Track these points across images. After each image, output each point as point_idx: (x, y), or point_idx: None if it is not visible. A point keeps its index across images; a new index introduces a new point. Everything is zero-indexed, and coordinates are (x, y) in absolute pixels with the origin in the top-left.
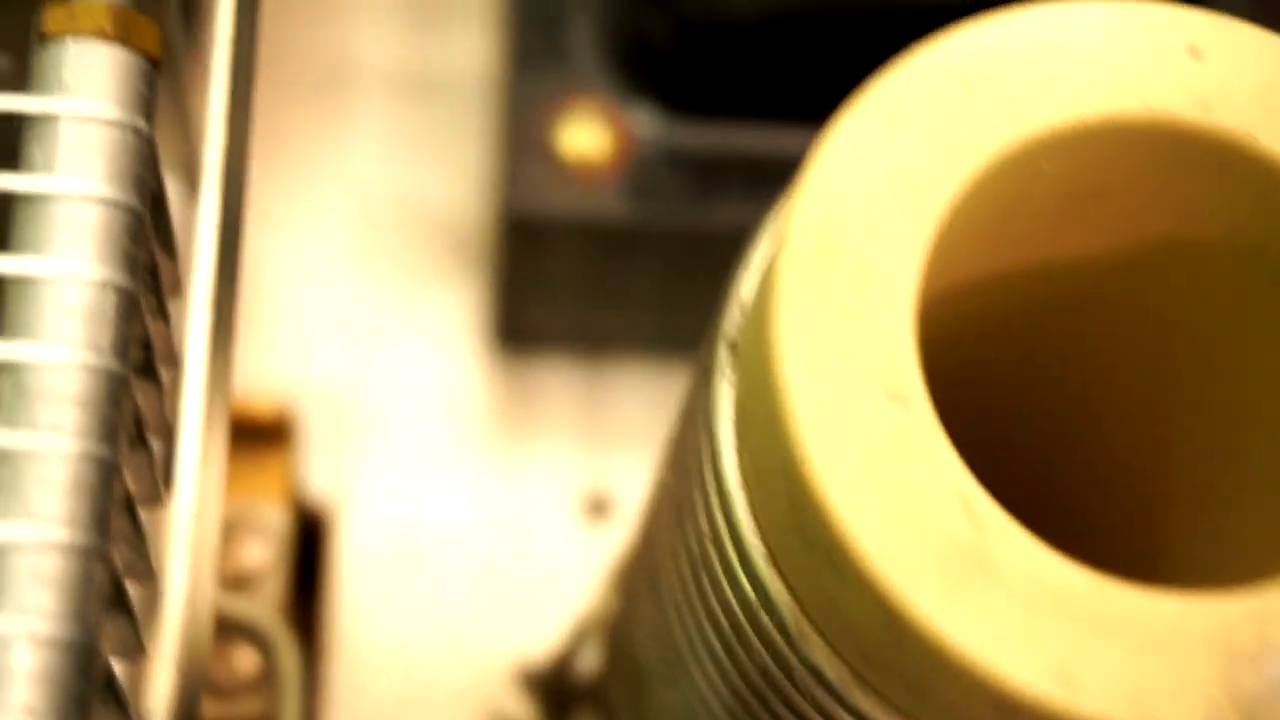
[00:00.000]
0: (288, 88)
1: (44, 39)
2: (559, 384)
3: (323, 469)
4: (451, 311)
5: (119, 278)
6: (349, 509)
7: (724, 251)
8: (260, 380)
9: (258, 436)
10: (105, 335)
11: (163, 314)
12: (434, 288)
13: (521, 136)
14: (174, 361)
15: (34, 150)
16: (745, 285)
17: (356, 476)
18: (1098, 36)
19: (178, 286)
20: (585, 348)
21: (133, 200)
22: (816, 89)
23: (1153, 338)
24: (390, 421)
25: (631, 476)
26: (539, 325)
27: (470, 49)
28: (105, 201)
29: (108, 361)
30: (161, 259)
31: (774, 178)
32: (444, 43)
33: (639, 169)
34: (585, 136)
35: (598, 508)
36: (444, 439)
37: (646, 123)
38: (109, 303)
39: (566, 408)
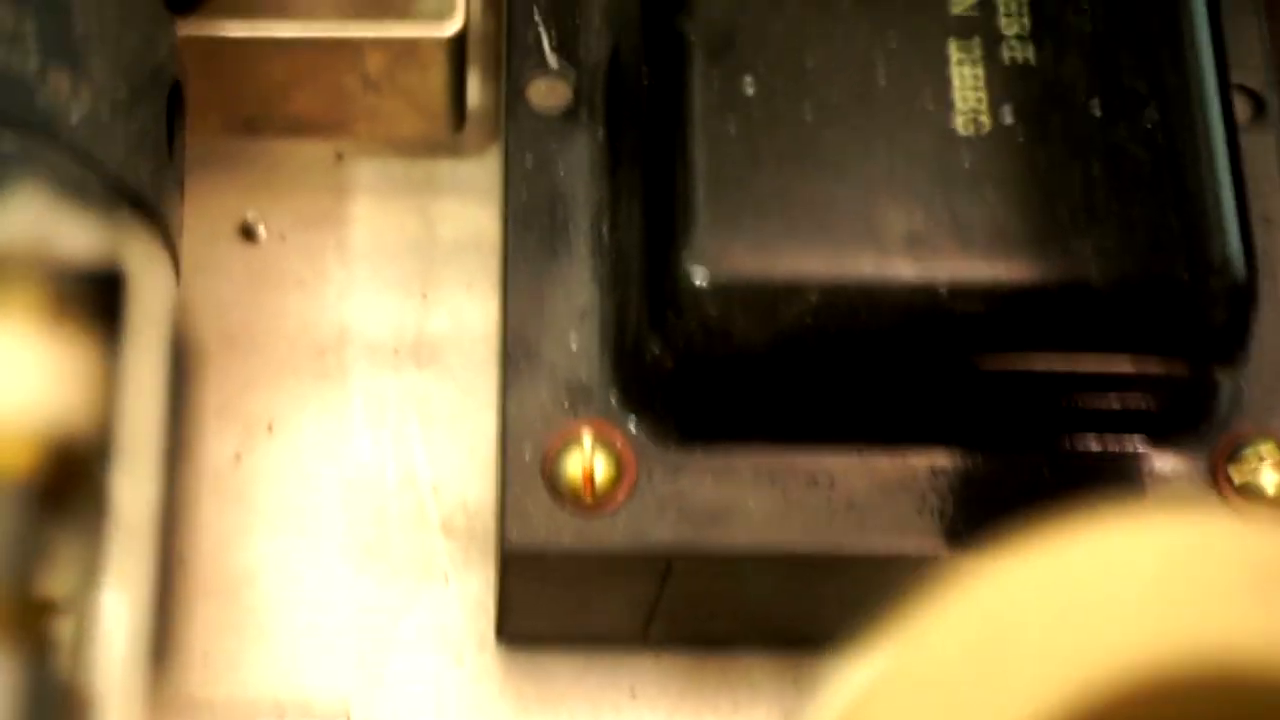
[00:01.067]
0: (283, 367)
1: None
2: (564, 684)
3: None
4: (452, 609)
5: None
6: None
7: (729, 570)
8: (258, 683)
9: None
10: None
11: None
12: (434, 581)
13: (517, 462)
14: None
15: None
16: None
17: None
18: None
19: None
20: (587, 648)
21: None
22: (824, 412)
23: None
24: None
25: None
26: (541, 629)
27: (470, 316)
28: None
29: None
30: None
31: (779, 501)
32: (442, 313)
33: (643, 496)
34: (588, 463)
35: None
36: None
37: (655, 449)
38: None
39: (574, 709)
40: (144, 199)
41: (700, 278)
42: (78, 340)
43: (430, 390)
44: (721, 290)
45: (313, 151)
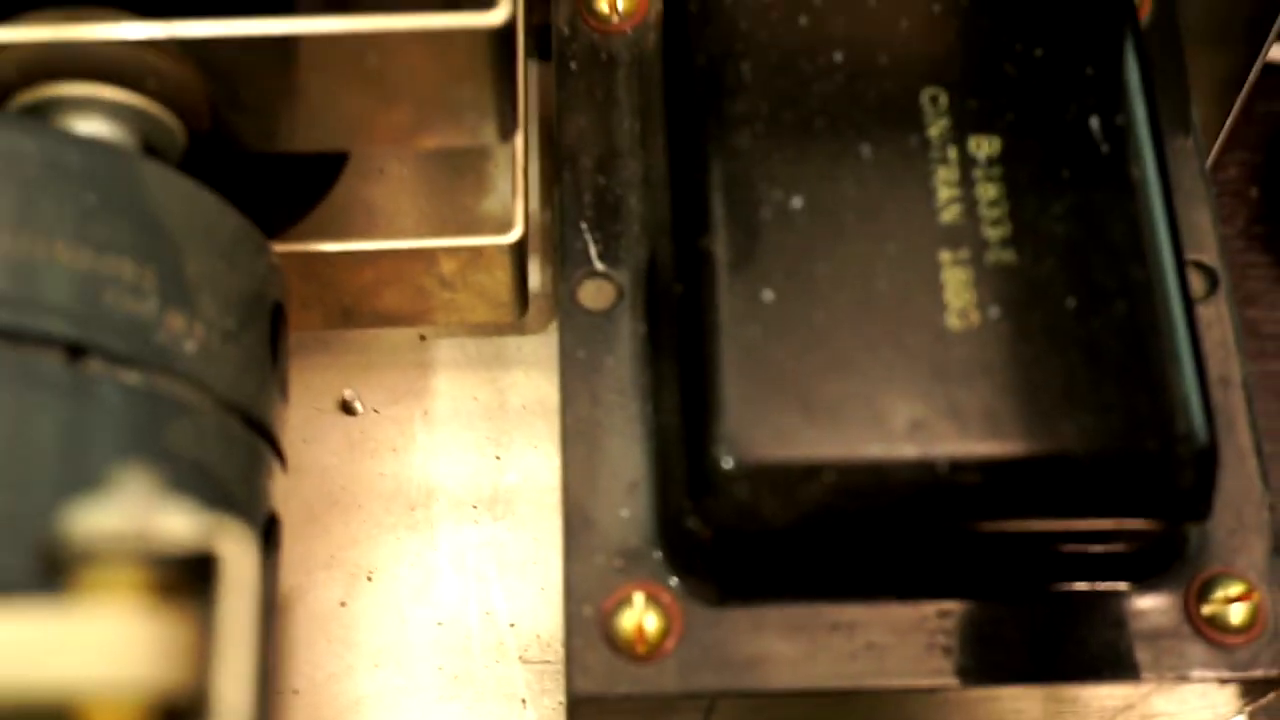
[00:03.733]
0: (380, 523)
1: None
2: None
3: None
4: None
5: None
6: None
7: (766, 706)
8: None
9: None
10: None
11: None
12: (513, 706)
13: (578, 620)
14: None
15: None
16: None
17: None
18: None
19: None
20: None
21: None
22: (843, 570)
23: None
24: None
25: None
26: None
27: (538, 473)
28: None
29: None
30: None
31: (807, 647)
32: (514, 471)
33: (689, 646)
34: (640, 619)
35: None
36: None
37: (697, 606)
38: None
39: None
40: (251, 413)
41: (729, 463)
42: (175, 614)
43: (505, 539)
44: (748, 474)
45: (399, 335)
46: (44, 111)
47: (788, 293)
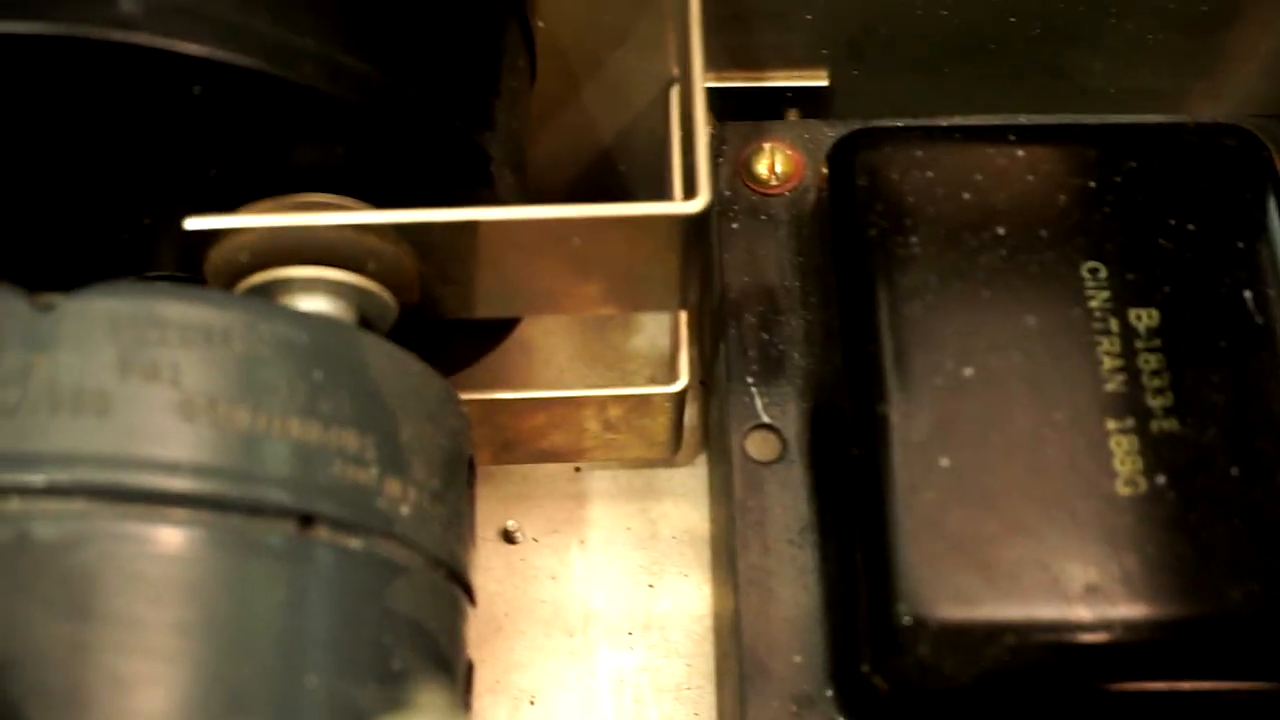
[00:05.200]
0: (541, 649)
1: None
2: None
3: None
4: None
5: None
6: None
7: None
8: None
9: None
10: None
11: None
12: None
13: None
14: None
15: None
16: None
17: None
18: None
19: None
20: None
21: None
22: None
23: None
24: None
25: None
26: None
27: (688, 600)
28: None
29: None
30: None
31: None
32: (666, 599)
33: None
34: None
35: None
36: None
37: None
38: None
39: None
40: (454, 566)
41: (912, 622)
42: None
43: (660, 664)
44: (931, 633)
45: (555, 468)
46: (269, 293)
47: (963, 459)
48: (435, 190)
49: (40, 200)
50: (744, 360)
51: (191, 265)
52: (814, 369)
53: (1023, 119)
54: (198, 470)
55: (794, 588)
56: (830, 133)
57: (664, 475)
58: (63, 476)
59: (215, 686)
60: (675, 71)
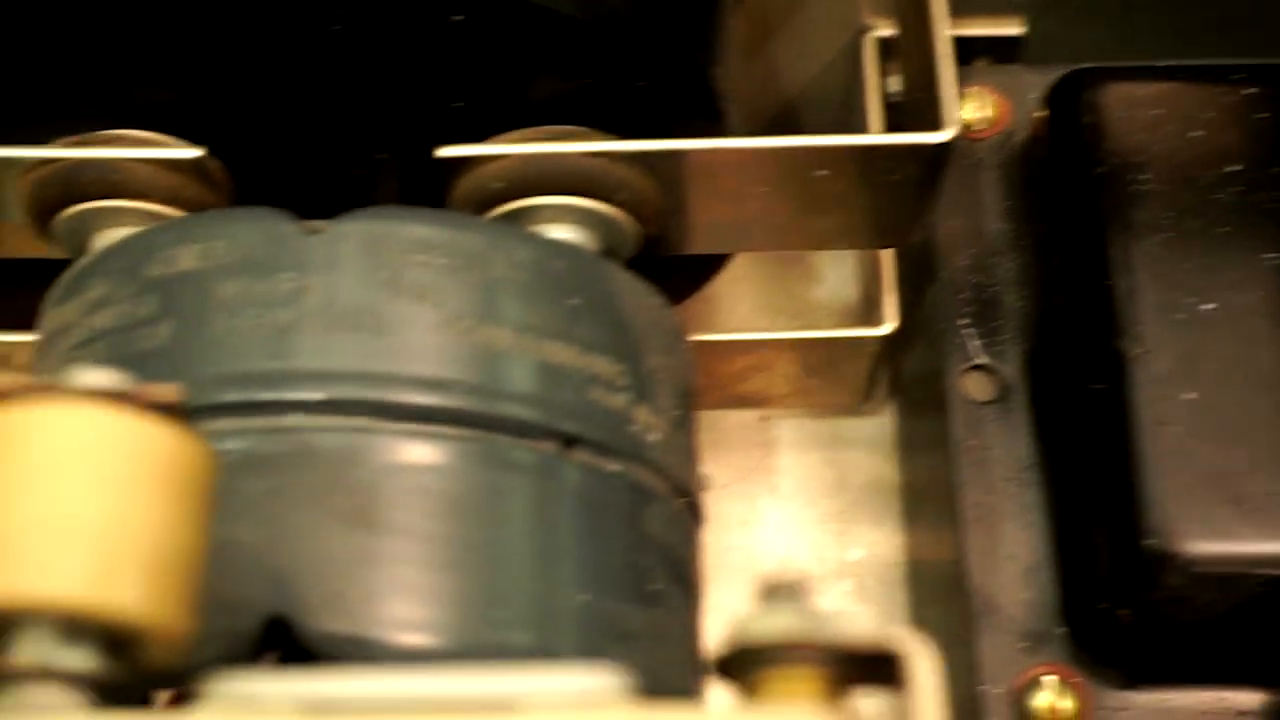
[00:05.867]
0: (731, 597)
1: None
2: None
3: None
4: None
5: None
6: None
7: None
8: None
9: None
10: None
11: None
12: None
13: (991, 698)
14: None
15: None
16: None
17: None
18: None
19: None
20: None
21: None
22: (1255, 659)
23: None
24: None
25: None
26: None
27: (879, 547)
28: None
29: None
30: None
31: None
32: (857, 545)
33: None
34: (1053, 700)
35: None
36: None
37: (1107, 688)
38: None
39: None
40: (692, 496)
41: (1165, 556)
42: (850, 715)
43: (853, 611)
44: (1185, 567)
45: (742, 416)
46: (519, 220)
47: (1208, 393)
48: (664, 124)
49: (288, 133)
50: (957, 303)
51: (417, 199)
52: (1029, 309)
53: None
54: (462, 388)
55: (1018, 525)
56: (1034, 78)
57: (851, 423)
58: (341, 392)
59: (483, 598)
60: (867, 20)
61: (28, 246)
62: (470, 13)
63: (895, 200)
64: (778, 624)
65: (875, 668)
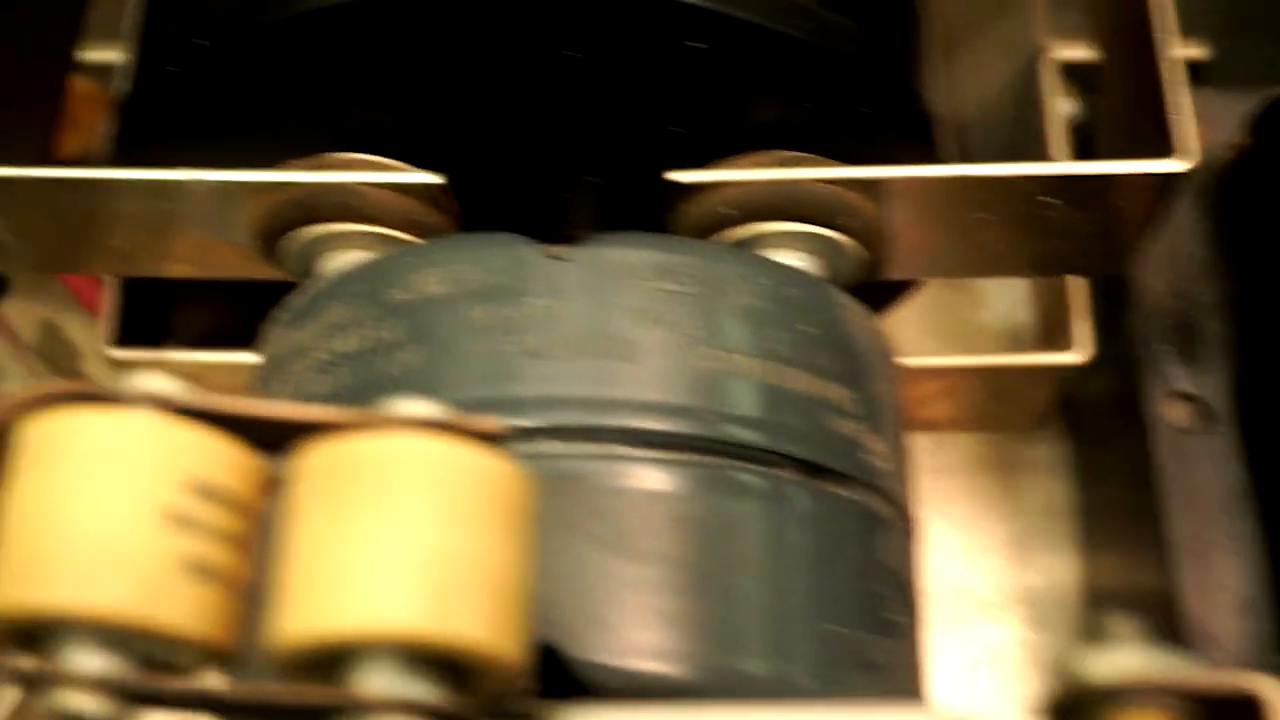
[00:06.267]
0: None
1: None
2: None
3: None
4: None
5: None
6: None
7: None
8: None
9: None
10: None
11: None
12: None
13: None
14: None
15: None
16: None
17: None
18: None
19: None
20: None
21: None
22: None
23: None
24: None
25: None
26: None
27: (1057, 573)
28: None
29: None
30: None
31: None
32: (1034, 571)
33: None
34: None
35: None
36: None
37: None
38: None
39: None
40: (912, 519)
41: None
42: None
43: (1034, 637)
44: None
45: (915, 441)
46: (749, 245)
47: None
48: (879, 149)
49: (507, 156)
50: (1158, 329)
51: (621, 221)
52: (1231, 336)
53: None
54: (702, 414)
55: (1231, 556)
56: (1227, 101)
57: (1023, 448)
58: (593, 418)
59: (721, 626)
60: (1044, 41)
61: (244, 267)
62: (710, 39)
63: (1118, 228)
64: (1124, 664)
65: (1226, 713)
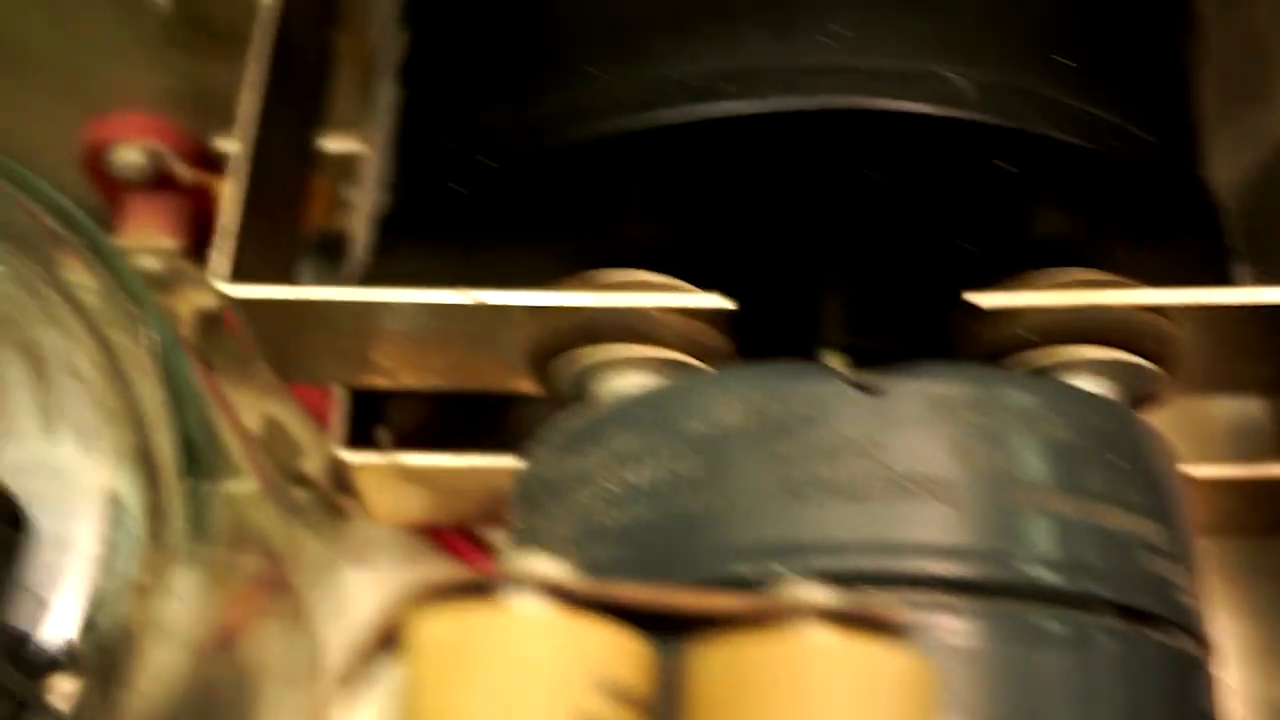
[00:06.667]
0: None
1: None
2: None
3: None
4: None
5: None
6: None
7: None
8: None
9: None
10: None
11: None
12: None
13: None
14: None
15: None
16: None
17: None
18: None
19: None
20: None
21: None
22: None
23: None
24: None
25: None
26: None
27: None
28: None
29: None
30: None
31: None
32: None
33: None
34: None
35: None
36: None
37: None
38: None
39: None
40: (1213, 658)
41: None
42: None
43: None
44: None
45: None
46: (1049, 372)
47: None
48: (1168, 253)
49: (789, 272)
50: None
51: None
52: None
53: None
54: (1007, 557)
55: None
56: None
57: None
58: (922, 566)
59: None
60: None
61: (503, 380)
62: (1022, 162)
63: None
64: None
65: None
